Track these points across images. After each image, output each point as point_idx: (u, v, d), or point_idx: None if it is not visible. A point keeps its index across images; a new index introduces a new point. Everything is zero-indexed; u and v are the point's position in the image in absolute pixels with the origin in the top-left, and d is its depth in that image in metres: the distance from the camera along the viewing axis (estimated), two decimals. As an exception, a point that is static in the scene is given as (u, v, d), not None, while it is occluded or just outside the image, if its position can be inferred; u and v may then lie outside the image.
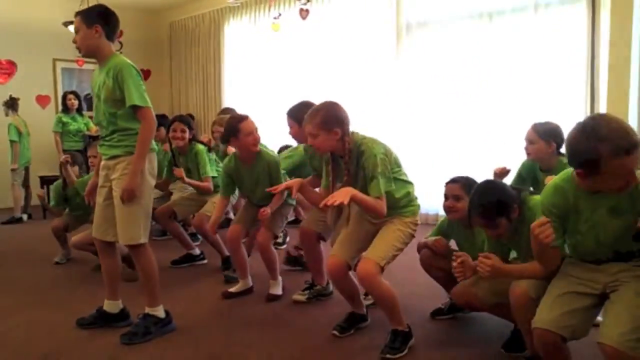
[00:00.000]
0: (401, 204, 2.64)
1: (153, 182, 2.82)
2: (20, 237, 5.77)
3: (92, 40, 2.67)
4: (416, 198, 2.74)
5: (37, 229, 6.12)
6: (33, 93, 7.74)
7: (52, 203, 4.61)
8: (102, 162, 2.84)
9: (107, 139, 2.77)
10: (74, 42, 2.73)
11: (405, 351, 2.60)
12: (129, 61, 2.72)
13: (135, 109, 2.66)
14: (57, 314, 3.25)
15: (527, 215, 2.28)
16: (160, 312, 2.90)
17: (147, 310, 2.87)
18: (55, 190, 4.56)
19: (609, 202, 1.91)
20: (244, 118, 3.34)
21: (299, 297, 3.46)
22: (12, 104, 6.60)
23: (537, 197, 2.31)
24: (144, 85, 2.74)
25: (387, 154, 2.58)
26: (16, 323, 3.15)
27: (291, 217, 5.24)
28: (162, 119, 4.57)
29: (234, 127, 3.28)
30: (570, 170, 1.97)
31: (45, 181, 6.79)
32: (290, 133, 3.31)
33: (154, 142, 2.81)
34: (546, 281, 2.14)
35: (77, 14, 2.72)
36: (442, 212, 6.08)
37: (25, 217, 6.65)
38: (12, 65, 7.62)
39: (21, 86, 7.39)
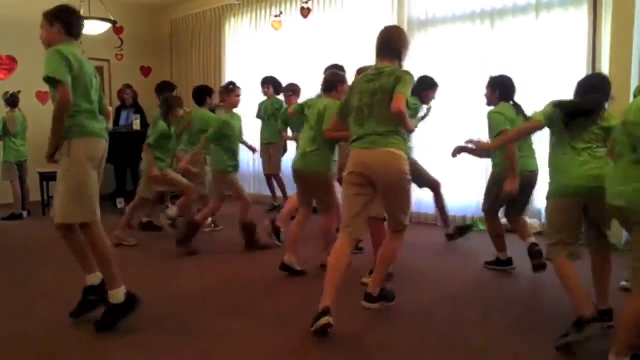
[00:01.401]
0: None
1: (90, 164, 2.86)
2: (21, 233, 5.77)
3: (52, 36, 2.89)
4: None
5: (37, 225, 6.13)
6: (33, 89, 7.73)
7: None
8: None
9: None
10: (41, 37, 2.95)
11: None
12: (66, 48, 2.79)
13: (48, 81, 2.75)
14: (58, 311, 3.25)
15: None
16: (118, 295, 2.89)
17: (109, 293, 2.90)
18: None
19: None
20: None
21: (367, 280, 3.53)
22: (10, 100, 6.57)
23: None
24: (64, 64, 2.75)
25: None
26: (18, 320, 3.16)
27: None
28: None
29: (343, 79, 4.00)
30: None
31: (45, 177, 6.79)
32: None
33: (107, 126, 2.99)
34: None
35: (43, 14, 2.94)
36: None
37: (25, 214, 6.64)
38: (12, 61, 7.62)
39: (21, 82, 7.38)
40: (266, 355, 2.65)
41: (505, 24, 5.43)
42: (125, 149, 7.04)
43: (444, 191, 5.00)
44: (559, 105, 2.81)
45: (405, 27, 6.05)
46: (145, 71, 9.15)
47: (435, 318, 3.11)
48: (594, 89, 2.81)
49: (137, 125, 7.35)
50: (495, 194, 3.92)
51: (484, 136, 5.55)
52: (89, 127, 2.87)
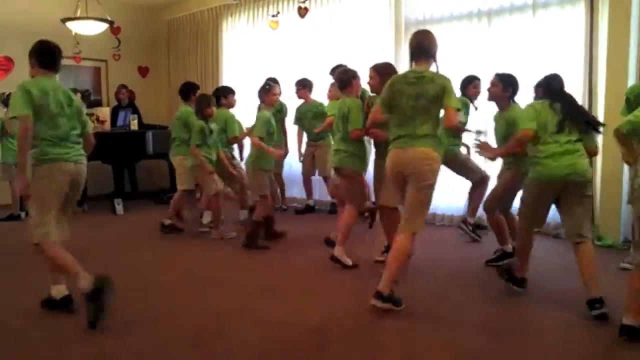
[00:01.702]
0: None
1: (53, 186, 3.00)
2: (19, 234, 5.75)
3: (31, 70, 3.14)
4: None
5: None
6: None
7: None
8: None
9: None
10: None
11: None
12: (31, 82, 3.03)
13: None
14: (57, 312, 3.25)
15: None
16: (56, 291, 3.15)
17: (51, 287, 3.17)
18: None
19: None
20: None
21: (380, 257, 3.94)
22: (6, 101, 6.56)
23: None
24: (23, 98, 2.97)
25: None
26: (17, 320, 3.17)
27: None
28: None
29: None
30: None
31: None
32: (369, 83, 3.96)
33: (69, 149, 3.05)
34: None
35: None
36: (438, 212, 6.10)
37: (23, 214, 6.63)
38: (9, 61, 7.60)
39: (18, 83, 7.35)
40: (266, 355, 2.66)
41: (502, 22, 5.44)
42: (122, 149, 7.04)
43: (442, 191, 5.01)
44: (567, 114, 3.09)
45: (402, 26, 6.08)
46: (143, 71, 9.14)
47: (435, 317, 3.12)
48: (564, 93, 3.21)
49: (134, 125, 7.34)
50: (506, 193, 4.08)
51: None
52: (51, 153, 3.00)
